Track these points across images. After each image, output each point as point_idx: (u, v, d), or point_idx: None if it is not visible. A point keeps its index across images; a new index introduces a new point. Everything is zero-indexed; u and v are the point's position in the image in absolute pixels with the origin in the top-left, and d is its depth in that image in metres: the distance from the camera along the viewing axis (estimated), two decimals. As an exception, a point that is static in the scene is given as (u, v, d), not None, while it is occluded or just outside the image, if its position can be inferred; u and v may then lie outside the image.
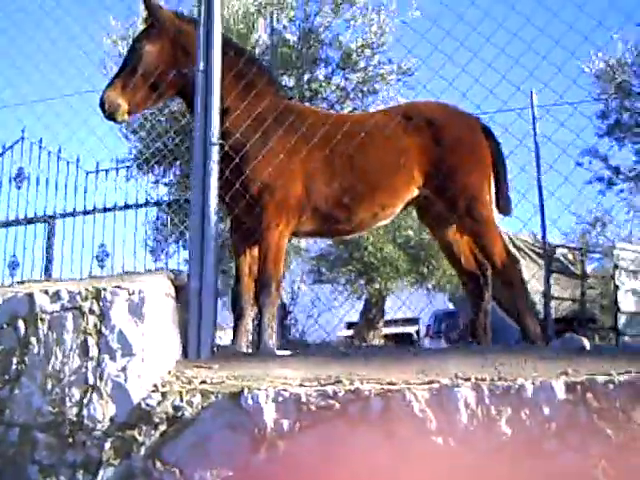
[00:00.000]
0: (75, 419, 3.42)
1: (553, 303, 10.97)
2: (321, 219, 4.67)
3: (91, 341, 3.49)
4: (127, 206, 9.32)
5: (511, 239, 13.71)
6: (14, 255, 10.08)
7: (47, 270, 9.96)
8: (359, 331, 12.80)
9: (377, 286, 11.66)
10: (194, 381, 3.43)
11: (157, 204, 9.42)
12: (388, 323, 14.70)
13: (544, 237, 8.51)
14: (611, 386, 2.92)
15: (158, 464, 3.27)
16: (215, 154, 3.91)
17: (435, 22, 4.11)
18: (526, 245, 11.64)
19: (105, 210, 9.39)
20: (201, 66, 3.99)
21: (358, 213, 4.70)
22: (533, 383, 2.98)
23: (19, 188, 10.09)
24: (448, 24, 4.07)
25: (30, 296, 3.65)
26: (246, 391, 3.22)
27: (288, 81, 8.63)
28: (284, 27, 8.81)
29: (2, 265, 10.12)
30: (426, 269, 11.50)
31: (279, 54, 8.36)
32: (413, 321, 17.44)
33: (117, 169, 10.00)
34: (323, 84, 8.71)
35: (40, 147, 9.85)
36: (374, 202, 4.71)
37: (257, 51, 8.48)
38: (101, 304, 3.52)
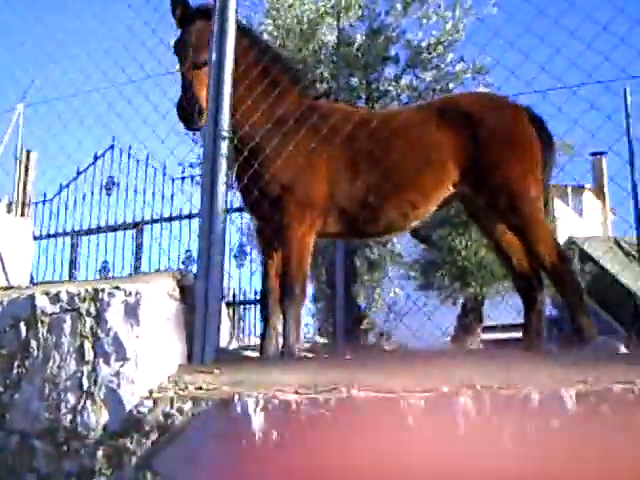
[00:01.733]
0: (69, 426, 3.29)
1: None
2: (347, 219, 4.43)
3: (87, 344, 3.37)
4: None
5: (617, 242, 13.06)
6: (105, 261, 10.30)
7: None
8: (456, 337, 12.39)
9: (472, 290, 11.25)
10: (190, 387, 3.25)
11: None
12: (492, 329, 14.23)
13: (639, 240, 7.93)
14: (630, 396, 2.54)
15: (149, 475, 3.10)
16: (224, 149, 3.72)
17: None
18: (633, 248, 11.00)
19: (190, 217, 9.46)
20: (213, 57, 3.82)
21: (385, 213, 4.42)
22: (540, 392, 2.63)
23: (109, 195, 10.32)
24: (527, 19, 3.72)
25: (32, 298, 3.56)
26: (236, 398, 3.00)
27: (352, 81, 8.41)
28: (351, 26, 8.61)
29: (94, 271, 10.36)
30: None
31: (345, 54, 8.16)
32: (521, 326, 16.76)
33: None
34: (392, 83, 8.44)
35: (129, 155, 10.04)
36: (402, 200, 4.42)
37: (323, 52, 8.31)
38: (98, 305, 3.39)
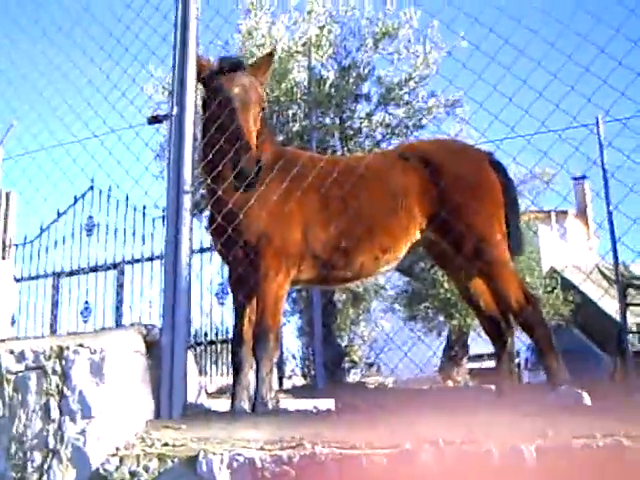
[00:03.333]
0: (36, 485, 3.27)
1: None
2: (320, 266, 4.44)
3: (53, 403, 3.35)
4: (199, 250, 9.38)
5: (599, 269, 13.08)
6: (87, 302, 10.28)
7: (118, 315, 10.13)
8: (442, 368, 12.42)
9: (455, 322, 11.29)
10: (156, 444, 3.23)
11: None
12: (478, 358, 14.24)
13: (616, 268, 7.98)
14: (588, 451, 2.54)
15: (115, 535, 3.08)
16: (188, 202, 3.72)
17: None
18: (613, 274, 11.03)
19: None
20: (174, 111, 3.83)
21: (357, 257, 4.45)
22: (502, 448, 2.63)
23: (89, 236, 10.32)
24: (500, 54, 3.71)
25: (-4, 356, 3.54)
26: (201, 455, 2.99)
27: (324, 119, 8.44)
28: (322, 65, 8.67)
29: (76, 311, 10.34)
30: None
31: (317, 92, 8.20)
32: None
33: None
34: (364, 121, 8.48)
35: (108, 196, 10.08)
36: (373, 245, 4.45)
37: (295, 91, 8.34)
38: (63, 363, 3.37)
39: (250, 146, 4.02)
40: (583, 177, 22.00)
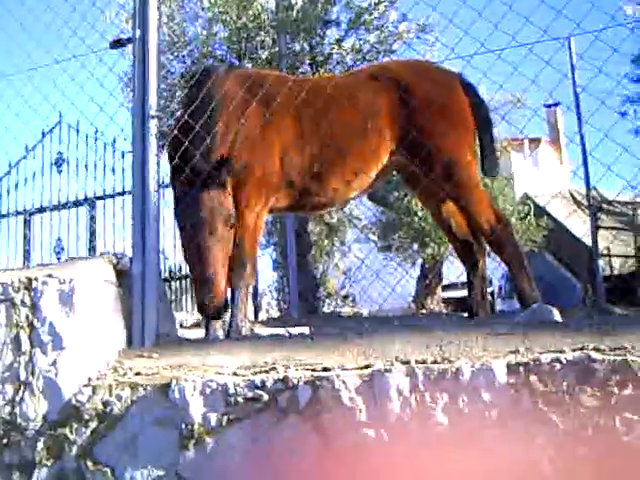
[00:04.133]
0: (8, 418, 3.26)
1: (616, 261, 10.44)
2: (295, 193, 4.40)
3: (23, 335, 3.31)
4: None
5: (572, 194, 13.16)
6: (59, 238, 10.18)
7: (91, 247, 10.06)
8: (416, 297, 12.50)
9: (430, 251, 11.32)
10: (128, 373, 3.22)
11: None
12: (452, 287, 14.34)
13: (588, 190, 8.00)
14: (558, 366, 2.56)
15: (90, 464, 3.08)
16: (153, 127, 3.64)
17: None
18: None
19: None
20: (137, 34, 3.71)
21: (330, 182, 4.41)
22: (472, 366, 2.64)
23: (60, 172, 10.16)
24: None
25: (-36, 290, 3.48)
26: (174, 383, 2.99)
27: (293, 46, 8.26)
28: (290, -11, 8.45)
29: (48, 248, 10.25)
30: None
31: (285, 18, 8.01)
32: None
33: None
34: (335, 47, 8.32)
35: (77, 130, 9.91)
36: (346, 169, 4.41)
37: (263, 17, 8.13)
38: (32, 295, 3.33)
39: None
40: (556, 104, 21.94)
